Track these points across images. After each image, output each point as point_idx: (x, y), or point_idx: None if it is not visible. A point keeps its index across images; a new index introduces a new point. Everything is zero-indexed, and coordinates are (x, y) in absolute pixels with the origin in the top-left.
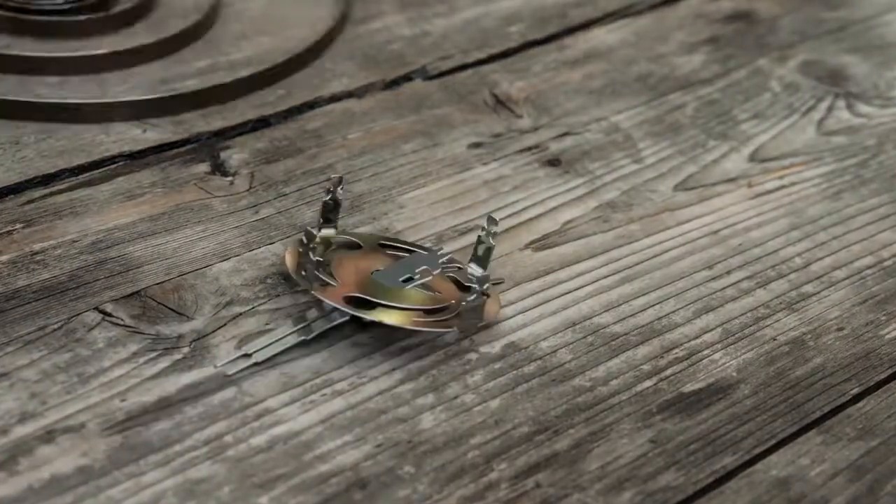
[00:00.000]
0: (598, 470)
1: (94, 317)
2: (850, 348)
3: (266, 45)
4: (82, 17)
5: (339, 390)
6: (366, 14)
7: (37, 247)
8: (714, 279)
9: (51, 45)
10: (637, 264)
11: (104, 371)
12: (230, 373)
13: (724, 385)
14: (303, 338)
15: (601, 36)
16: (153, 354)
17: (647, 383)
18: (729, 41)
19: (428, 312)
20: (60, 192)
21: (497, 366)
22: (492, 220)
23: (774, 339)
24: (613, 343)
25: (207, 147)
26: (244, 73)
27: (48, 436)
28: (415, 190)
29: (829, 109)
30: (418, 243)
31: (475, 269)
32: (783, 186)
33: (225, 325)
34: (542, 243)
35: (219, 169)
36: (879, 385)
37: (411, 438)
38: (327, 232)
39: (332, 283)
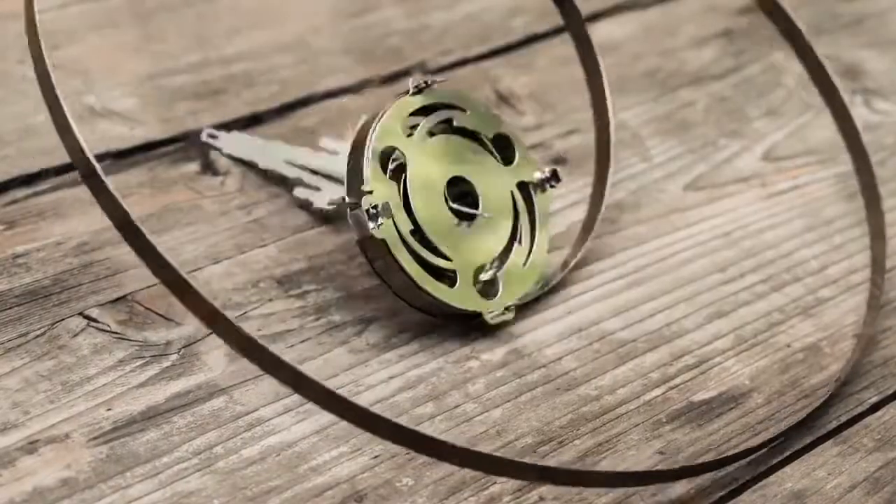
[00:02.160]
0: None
1: (78, 323)
2: (867, 355)
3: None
4: None
5: None
6: (362, 6)
7: (19, 249)
8: (726, 283)
9: None
10: (645, 267)
11: (89, 379)
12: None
13: (736, 393)
14: None
15: (608, 29)
16: (140, 362)
17: (656, 392)
18: (742, 35)
19: None
20: (44, 192)
21: (499, 374)
22: None
23: (789, 346)
24: (621, 350)
25: (197, 145)
26: (236, 68)
27: (31, 447)
28: None
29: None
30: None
31: None
32: (798, 186)
33: None
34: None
35: (209, 168)
36: None
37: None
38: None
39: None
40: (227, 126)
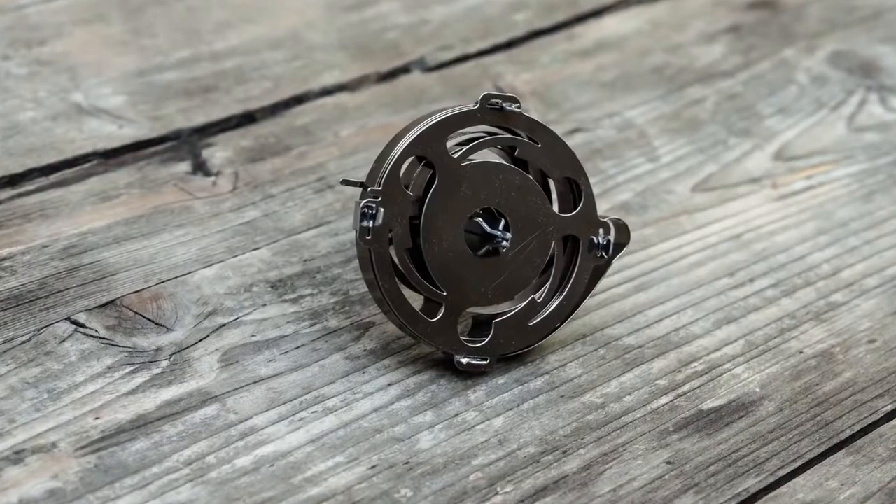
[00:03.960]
0: (611, 493)
1: (65, 328)
2: (882, 362)
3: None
4: None
5: (330, 407)
6: (359, 0)
7: (4, 252)
8: (735, 287)
9: None
10: (652, 271)
11: (77, 386)
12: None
13: (746, 402)
14: None
15: (614, 24)
16: (130, 369)
17: (664, 400)
18: (752, 30)
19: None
20: (29, 193)
21: (501, 380)
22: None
23: (801, 352)
24: (627, 356)
25: (188, 145)
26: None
27: (16, 456)
28: None
29: (861, 104)
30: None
31: None
32: (810, 187)
33: (207, 336)
34: None
35: (200, 168)
36: None
37: (408, 459)
38: None
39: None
40: (219, 124)
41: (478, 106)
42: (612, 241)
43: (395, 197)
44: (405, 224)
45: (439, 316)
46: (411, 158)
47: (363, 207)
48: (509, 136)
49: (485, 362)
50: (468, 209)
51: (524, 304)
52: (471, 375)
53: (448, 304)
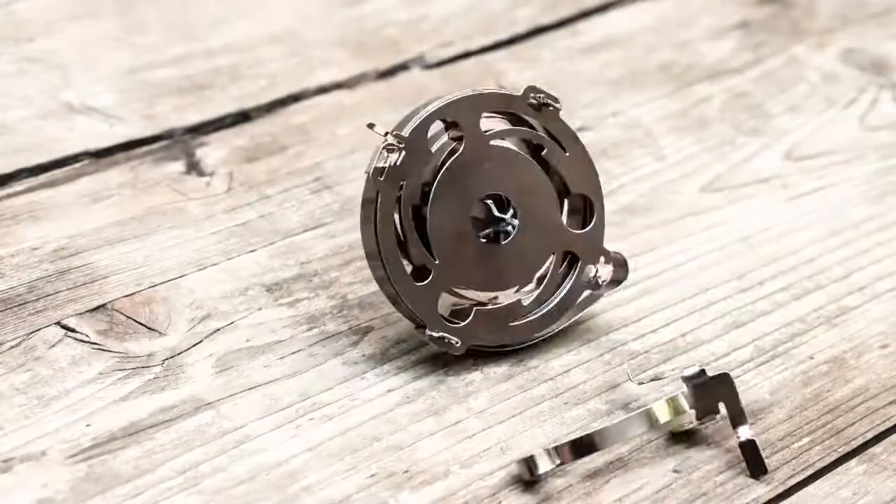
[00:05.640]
0: (616, 503)
1: (55, 332)
2: (895, 368)
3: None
4: None
5: (328, 414)
6: None
7: None
8: (744, 291)
9: None
10: (659, 274)
11: (67, 393)
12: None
13: (755, 408)
14: None
15: (619, 20)
16: (121, 374)
17: None
18: (761, 26)
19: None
20: (18, 193)
21: (503, 387)
22: None
23: (811, 358)
24: (632, 362)
25: (182, 144)
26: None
27: (5, 465)
28: None
29: (873, 102)
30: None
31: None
32: (821, 188)
33: (201, 341)
34: None
35: (194, 168)
36: None
37: (408, 468)
38: None
39: None
40: (213, 123)
41: (520, 94)
42: (609, 277)
43: (417, 149)
44: (418, 184)
45: (425, 283)
46: (441, 126)
47: (384, 148)
48: (541, 134)
49: (455, 344)
50: (482, 189)
51: (509, 302)
52: (471, 382)
53: (436, 274)
